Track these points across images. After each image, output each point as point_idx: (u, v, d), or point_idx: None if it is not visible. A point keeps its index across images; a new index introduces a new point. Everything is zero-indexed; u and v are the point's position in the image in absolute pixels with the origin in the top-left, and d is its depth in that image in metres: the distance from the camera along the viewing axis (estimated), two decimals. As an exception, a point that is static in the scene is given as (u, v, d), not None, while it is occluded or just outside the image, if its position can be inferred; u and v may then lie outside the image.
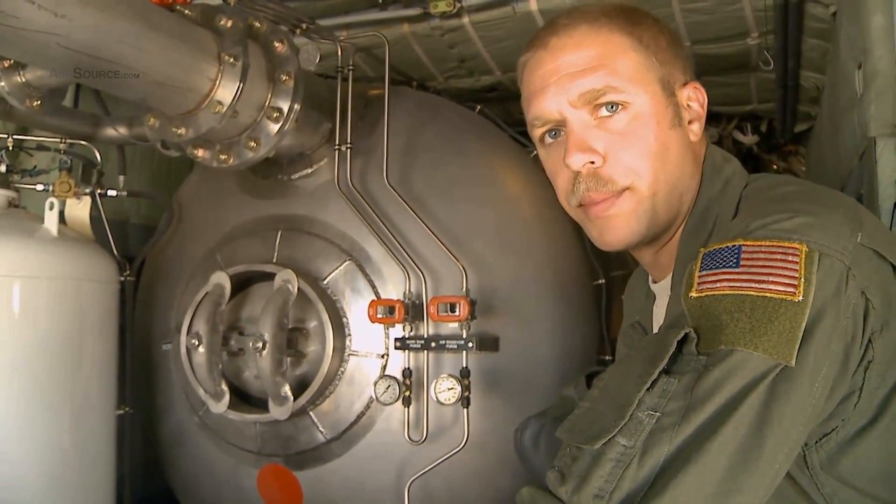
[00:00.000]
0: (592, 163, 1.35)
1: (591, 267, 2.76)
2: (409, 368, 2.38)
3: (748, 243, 1.12)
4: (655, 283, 1.58)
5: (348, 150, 2.53)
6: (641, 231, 1.39)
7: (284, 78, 2.29)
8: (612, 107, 1.35)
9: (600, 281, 2.77)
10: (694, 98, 1.43)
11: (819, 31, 3.23)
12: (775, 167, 5.58)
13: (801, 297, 1.04)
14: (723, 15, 3.20)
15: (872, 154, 2.33)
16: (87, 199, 2.75)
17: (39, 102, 2.32)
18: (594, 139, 1.35)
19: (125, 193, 2.87)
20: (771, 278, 1.07)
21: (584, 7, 1.45)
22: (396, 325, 2.39)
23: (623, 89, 1.34)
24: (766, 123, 5.04)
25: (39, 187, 2.69)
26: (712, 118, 5.09)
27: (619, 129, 1.35)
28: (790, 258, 1.07)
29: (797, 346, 1.03)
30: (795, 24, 3.10)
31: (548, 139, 1.45)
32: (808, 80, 3.74)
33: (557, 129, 1.42)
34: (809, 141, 4.68)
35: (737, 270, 1.10)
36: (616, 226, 1.39)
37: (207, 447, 2.72)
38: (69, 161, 2.75)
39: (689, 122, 1.43)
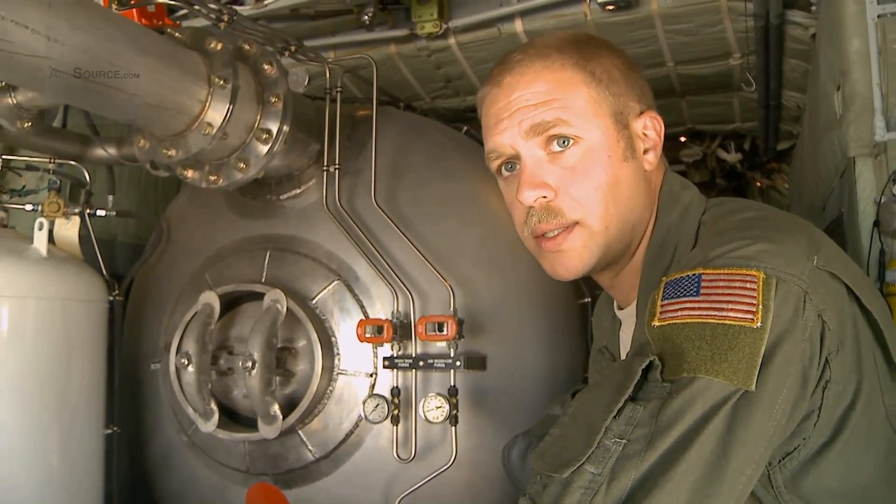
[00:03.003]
0: (545, 197, 1.39)
1: (577, 286, 2.79)
2: (397, 387, 2.39)
3: (708, 272, 1.15)
4: (620, 309, 1.60)
5: (336, 171, 2.55)
6: (592, 264, 1.43)
7: (273, 100, 2.31)
8: (563, 141, 1.39)
9: (586, 300, 2.80)
10: (650, 127, 1.45)
11: (799, 52, 3.28)
12: (759, 184, 5.64)
13: (759, 324, 1.07)
14: (705, 36, 3.25)
15: (852, 173, 2.37)
16: (76, 219, 2.74)
17: (30, 124, 2.34)
18: (546, 174, 1.39)
19: (114, 213, 2.87)
20: (730, 306, 1.10)
21: (539, 40, 1.48)
22: (385, 344, 2.40)
23: (573, 123, 1.38)
24: (749, 141, 5.10)
25: (28, 207, 2.69)
26: (696, 136, 5.14)
27: (571, 164, 1.38)
28: (748, 285, 1.10)
29: (757, 372, 1.06)
30: (776, 45, 3.16)
31: (505, 172, 1.49)
32: (789, 99, 3.80)
33: (513, 162, 1.45)
34: (792, 159, 4.73)
35: (697, 299, 1.13)
36: (567, 259, 1.43)
37: (196, 466, 2.71)
38: (58, 181, 2.75)
39: (645, 152, 1.45)
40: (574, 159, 1.38)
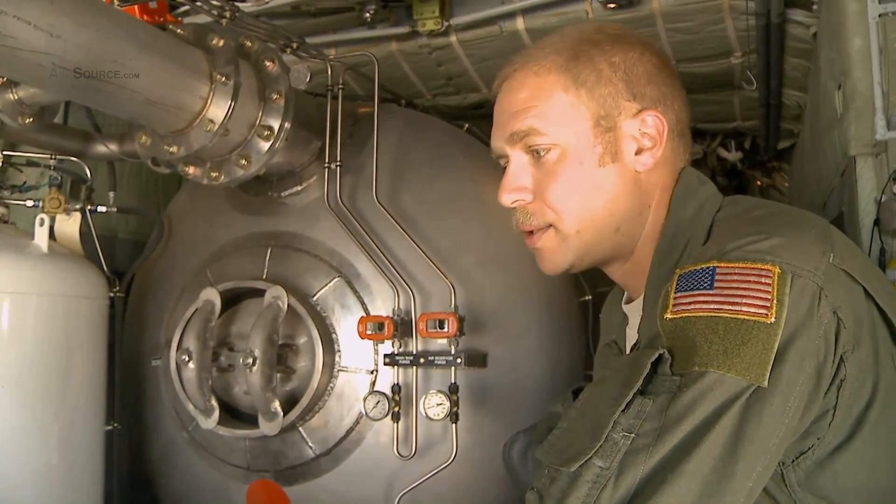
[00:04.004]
0: (523, 199, 1.45)
1: (578, 283, 2.79)
2: (398, 384, 2.39)
3: (722, 265, 1.13)
4: (628, 304, 1.60)
5: (338, 168, 2.55)
6: (567, 263, 1.46)
7: (275, 97, 2.31)
8: (539, 149, 1.42)
9: (587, 297, 2.80)
10: (650, 125, 1.42)
11: (801, 51, 3.28)
12: (759, 183, 5.63)
13: (773, 319, 1.06)
14: (707, 35, 3.25)
15: (853, 172, 2.37)
16: (77, 215, 2.74)
17: (31, 120, 2.34)
18: (526, 178, 1.45)
19: (115, 209, 2.87)
20: (744, 300, 1.08)
21: (546, 39, 1.50)
22: (385, 341, 2.41)
23: (547, 131, 1.40)
24: (749, 140, 5.09)
25: (29, 203, 2.68)
26: (697, 135, 5.14)
27: (547, 170, 1.42)
28: (763, 280, 1.09)
29: (769, 368, 1.05)
30: (777, 44, 3.15)
31: None
32: (790, 98, 3.79)
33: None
34: (792, 158, 4.73)
35: (711, 292, 1.12)
36: (544, 257, 1.48)
37: (197, 463, 2.72)
38: (59, 177, 2.75)
39: (639, 153, 1.42)
40: (549, 165, 1.41)
